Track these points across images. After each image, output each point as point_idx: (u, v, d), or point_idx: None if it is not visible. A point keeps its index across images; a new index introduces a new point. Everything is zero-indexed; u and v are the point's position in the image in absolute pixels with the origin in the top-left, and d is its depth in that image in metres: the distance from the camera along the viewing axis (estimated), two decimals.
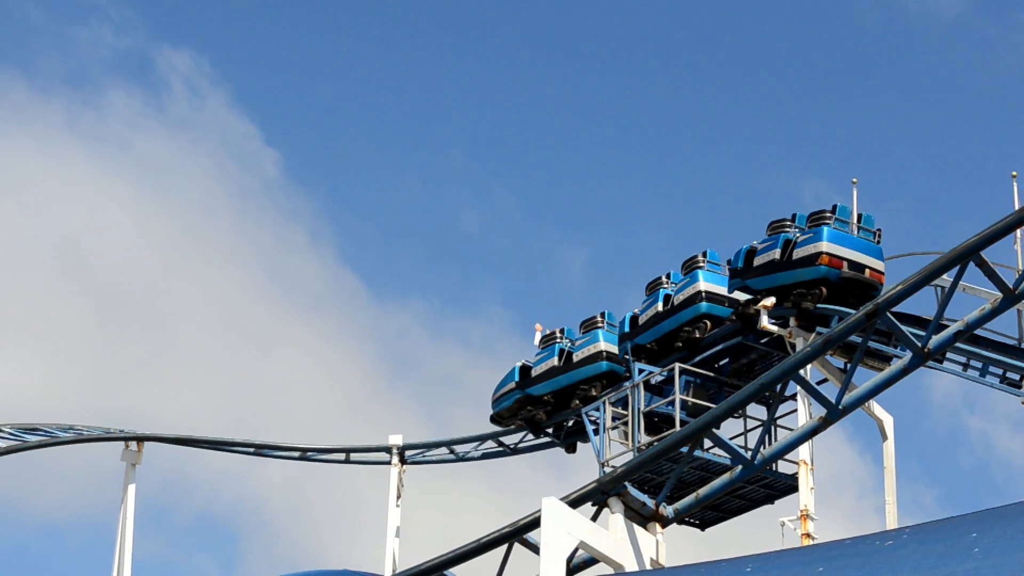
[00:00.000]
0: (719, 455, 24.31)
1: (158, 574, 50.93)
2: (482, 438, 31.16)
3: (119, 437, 30.58)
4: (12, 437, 29.25)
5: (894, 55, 64.30)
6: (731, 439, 23.12)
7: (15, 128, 61.14)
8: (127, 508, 30.38)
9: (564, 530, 21.38)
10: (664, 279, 27.91)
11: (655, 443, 24.90)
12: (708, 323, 26.91)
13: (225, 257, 62.01)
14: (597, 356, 28.60)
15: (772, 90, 66.38)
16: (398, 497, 31.14)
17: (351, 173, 66.92)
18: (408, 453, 31.69)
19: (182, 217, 62.13)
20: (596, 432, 26.96)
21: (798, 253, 25.85)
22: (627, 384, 26.97)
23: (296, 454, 31.80)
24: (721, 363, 27.07)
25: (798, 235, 26.09)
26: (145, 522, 35.81)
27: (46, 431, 30.03)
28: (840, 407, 21.46)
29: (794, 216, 26.56)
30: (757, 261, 26.30)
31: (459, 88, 67.16)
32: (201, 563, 56.28)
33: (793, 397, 25.19)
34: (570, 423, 29.73)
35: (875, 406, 25.40)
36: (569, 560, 21.95)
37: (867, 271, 25.81)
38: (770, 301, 25.82)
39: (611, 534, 21.99)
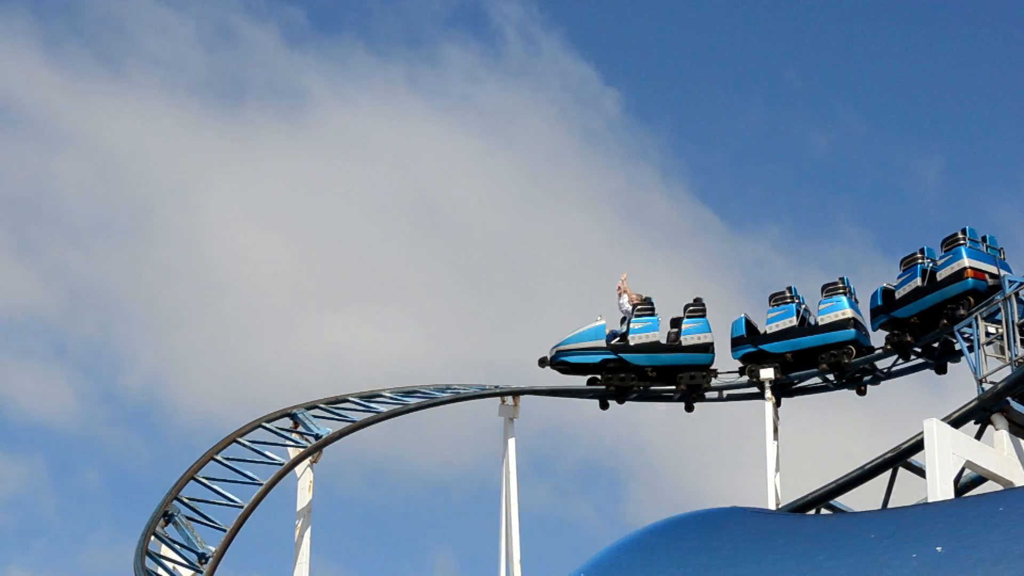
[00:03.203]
0: None
1: (544, 521, 51.81)
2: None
3: (495, 393, 31.13)
4: (393, 401, 30.07)
5: None
6: None
7: (359, 93, 62.63)
8: (509, 461, 30.98)
9: (949, 450, 21.10)
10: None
11: None
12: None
13: (577, 202, 62.47)
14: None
15: None
16: (775, 431, 30.99)
17: (692, 105, 66.65)
18: (781, 386, 31.51)
19: (531, 165, 62.82)
20: (970, 349, 26.38)
21: (942, 274, 28.33)
22: (998, 297, 26.36)
23: (671, 395, 31.92)
24: None
25: (930, 263, 28.62)
26: (528, 472, 36.50)
27: (424, 393, 30.78)
28: None
29: (922, 250, 28.91)
30: (899, 294, 28.91)
31: (789, 7, 66.26)
32: (586, 508, 57.05)
33: None
34: (936, 344, 29.28)
35: None
36: (956, 480, 21.62)
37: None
38: None
39: (997, 451, 21.62)
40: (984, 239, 29.04)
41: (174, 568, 24.44)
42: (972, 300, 28.24)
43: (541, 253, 58.00)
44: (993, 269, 28.50)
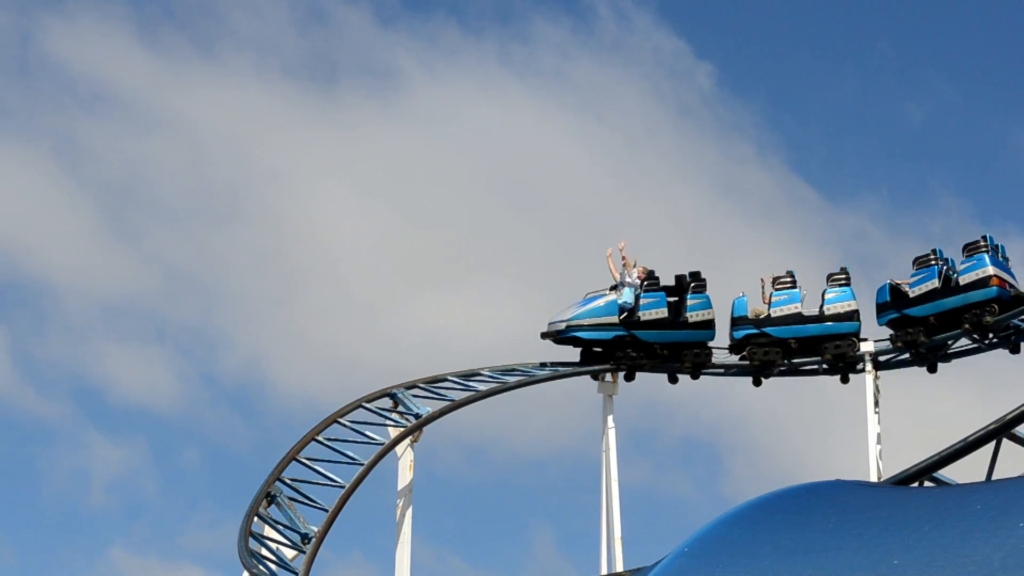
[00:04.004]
0: None
1: (644, 497, 51.76)
2: (954, 336, 30.53)
3: (594, 370, 31.10)
4: (492, 379, 30.12)
5: None
6: None
7: (451, 71, 62.76)
8: (608, 438, 30.96)
9: None
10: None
11: None
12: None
13: (675, 177, 62.33)
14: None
15: None
16: (875, 404, 30.78)
17: (786, 78, 66.28)
18: (881, 358, 31.29)
19: (627, 141, 62.74)
20: None
21: (965, 279, 29.44)
22: None
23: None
24: None
25: (943, 265, 29.75)
26: (627, 448, 36.44)
27: (523, 370, 30.82)
28: None
29: (934, 251, 30.02)
30: (913, 292, 29.98)
31: None
32: (685, 484, 56.97)
33: None
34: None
35: None
36: None
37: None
38: None
39: None
40: (997, 248, 29.92)
41: (277, 548, 24.62)
42: (997, 308, 29.42)
43: (637, 229, 57.88)
44: (1010, 279, 29.68)
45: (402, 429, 27.50)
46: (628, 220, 58.77)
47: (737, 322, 31.10)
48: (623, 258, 30.85)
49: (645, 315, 30.48)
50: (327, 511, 25.23)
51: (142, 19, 61.98)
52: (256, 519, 24.70)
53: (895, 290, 30.69)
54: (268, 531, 24.97)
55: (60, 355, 56.46)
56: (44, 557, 52.51)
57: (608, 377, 31.02)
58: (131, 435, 56.64)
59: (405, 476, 28.00)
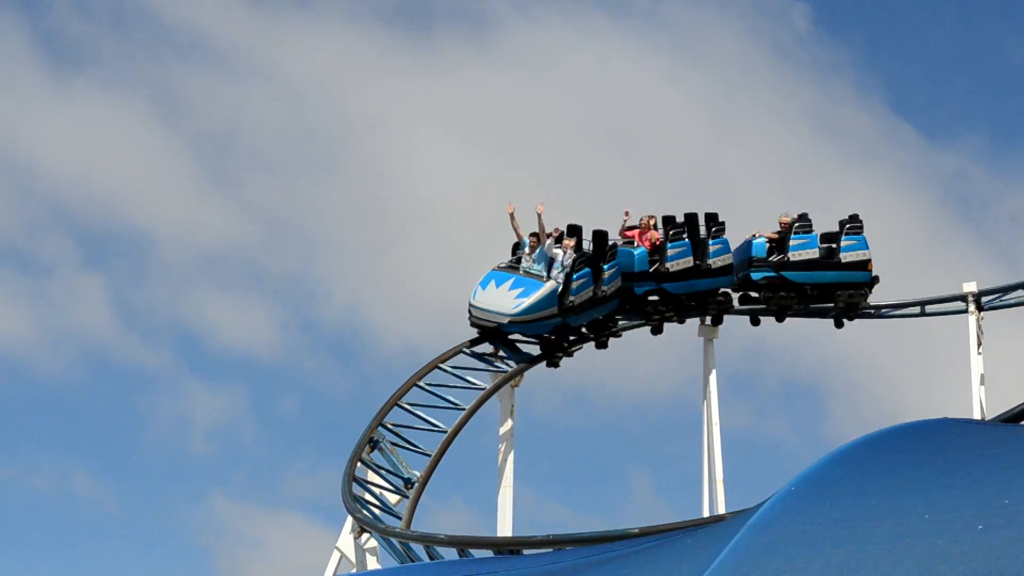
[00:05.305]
0: None
1: (746, 439, 51.75)
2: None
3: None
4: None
5: None
6: None
7: (546, 14, 62.61)
8: (709, 381, 30.93)
9: None
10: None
11: None
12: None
13: (771, 118, 61.88)
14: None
15: None
16: (979, 344, 30.55)
17: (884, 16, 65.53)
18: (984, 299, 31.03)
19: (722, 82, 62.33)
20: None
21: (846, 256, 30.39)
22: None
23: (871, 311, 31.59)
24: None
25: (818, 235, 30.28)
26: (728, 392, 36.39)
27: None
28: None
29: (802, 216, 30.48)
30: (793, 256, 30.25)
31: None
32: (786, 427, 56.83)
33: None
34: None
35: None
36: None
37: None
38: None
39: None
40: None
41: (380, 493, 24.79)
42: (868, 291, 30.48)
43: (734, 171, 57.63)
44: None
45: (503, 374, 27.54)
46: (724, 163, 58.52)
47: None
48: (541, 227, 27.65)
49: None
50: (429, 456, 25.37)
51: None
52: (359, 464, 24.87)
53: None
54: (371, 476, 25.15)
55: (160, 304, 57.05)
56: (146, 504, 53.24)
57: (708, 321, 30.94)
58: (231, 383, 57.19)
59: (506, 421, 28.10)
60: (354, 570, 23.84)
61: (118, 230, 56.95)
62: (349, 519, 24.12)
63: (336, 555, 24.52)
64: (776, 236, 30.65)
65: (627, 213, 29.43)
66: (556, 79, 60.31)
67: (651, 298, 29.28)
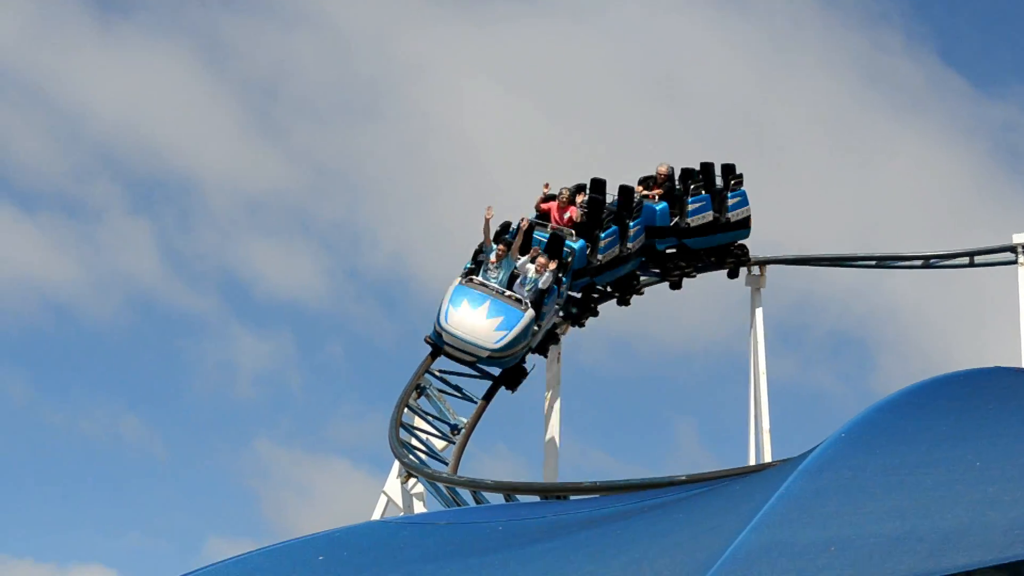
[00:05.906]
0: None
1: (793, 389, 51.67)
2: None
3: (741, 263, 30.87)
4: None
5: None
6: None
7: None
8: (756, 331, 30.87)
9: None
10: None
11: None
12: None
13: (820, 68, 61.49)
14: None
15: None
16: None
17: None
18: None
19: (770, 32, 61.93)
20: None
21: (734, 215, 28.81)
22: None
23: (919, 263, 31.43)
24: None
25: (707, 198, 28.38)
26: (776, 343, 36.28)
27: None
28: None
29: (691, 171, 28.48)
30: (692, 221, 28.25)
31: None
32: (834, 378, 56.71)
33: None
34: None
35: None
36: None
37: None
38: None
39: None
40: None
41: (427, 439, 24.87)
42: (747, 248, 29.42)
43: (783, 121, 57.38)
44: None
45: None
46: (772, 113, 58.26)
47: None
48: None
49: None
50: (476, 402, 25.43)
51: None
52: (406, 410, 24.94)
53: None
54: (418, 422, 25.22)
55: (207, 250, 57.28)
56: (191, 448, 53.63)
57: (756, 270, 30.85)
58: (276, 329, 57.44)
59: (553, 368, 28.12)
60: (401, 513, 23.95)
61: (165, 176, 57.15)
62: (396, 464, 24.21)
63: (383, 499, 24.63)
64: (660, 192, 28.33)
65: (546, 185, 27.35)
66: (602, 28, 60.12)
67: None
